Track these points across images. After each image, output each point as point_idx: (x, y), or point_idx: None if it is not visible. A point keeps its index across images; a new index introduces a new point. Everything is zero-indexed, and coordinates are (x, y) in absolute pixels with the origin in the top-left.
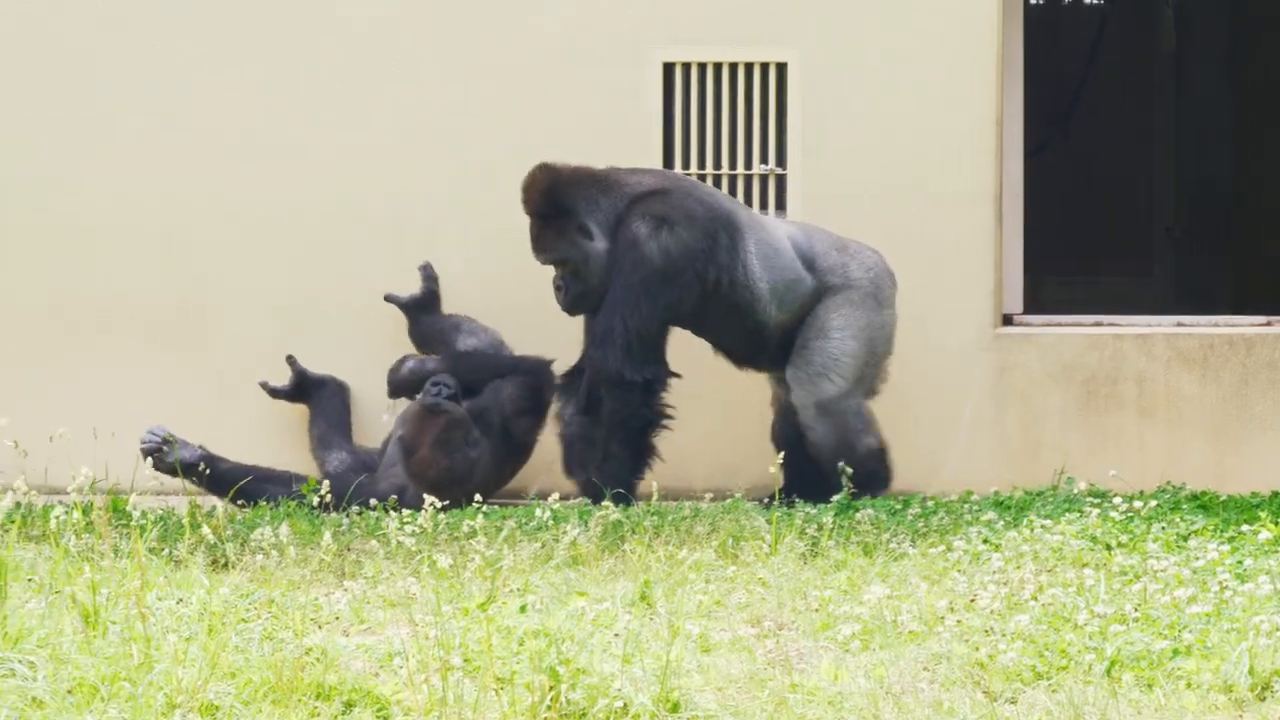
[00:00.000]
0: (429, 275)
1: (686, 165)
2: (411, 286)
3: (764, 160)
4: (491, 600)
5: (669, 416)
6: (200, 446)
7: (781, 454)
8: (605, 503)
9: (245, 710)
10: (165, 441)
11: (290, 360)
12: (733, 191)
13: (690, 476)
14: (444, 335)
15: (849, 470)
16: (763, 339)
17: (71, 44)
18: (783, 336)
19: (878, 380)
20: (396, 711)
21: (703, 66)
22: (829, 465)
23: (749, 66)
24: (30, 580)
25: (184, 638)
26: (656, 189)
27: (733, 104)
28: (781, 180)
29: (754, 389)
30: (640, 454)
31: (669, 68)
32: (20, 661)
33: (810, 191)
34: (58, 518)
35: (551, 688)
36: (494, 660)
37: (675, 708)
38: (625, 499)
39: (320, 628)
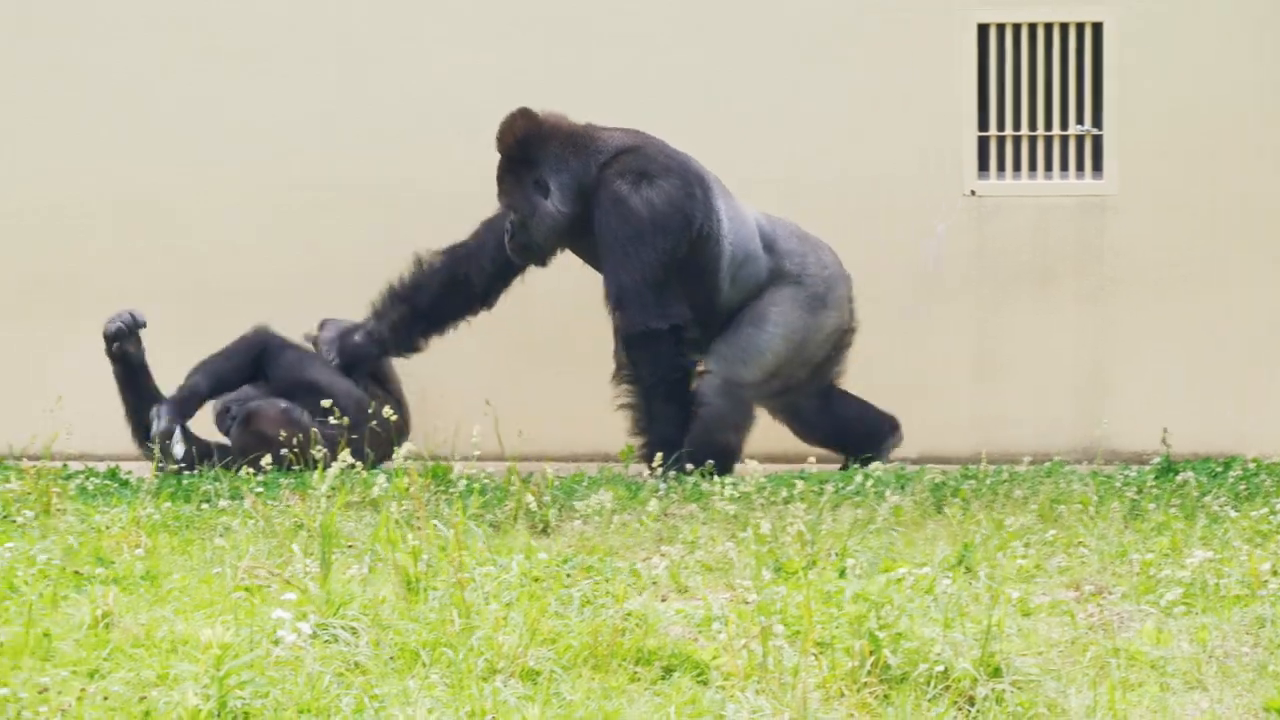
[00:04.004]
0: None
1: (1001, 126)
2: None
3: (1079, 121)
4: (811, 565)
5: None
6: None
7: None
8: (656, 465)
9: (565, 675)
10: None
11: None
12: (1048, 153)
13: (1008, 440)
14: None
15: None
16: (714, 312)
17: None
18: (725, 321)
19: (791, 379)
20: (715, 676)
21: (1017, 27)
22: (700, 436)
23: (1064, 26)
24: (350, 547)
25: (504, 603)
26: (628, 146)
27: (1048, 65)
28: (1098, 141)
29: (1061, 348)
30: (685, 404)
31: (983, 29)
32: (343, 628)
33: (1126, 151)
34: (380, 485)
35: (871, 652)
36: (813, 625)
37: (996, 672)
38: (677, 460)
39: (639, 593)
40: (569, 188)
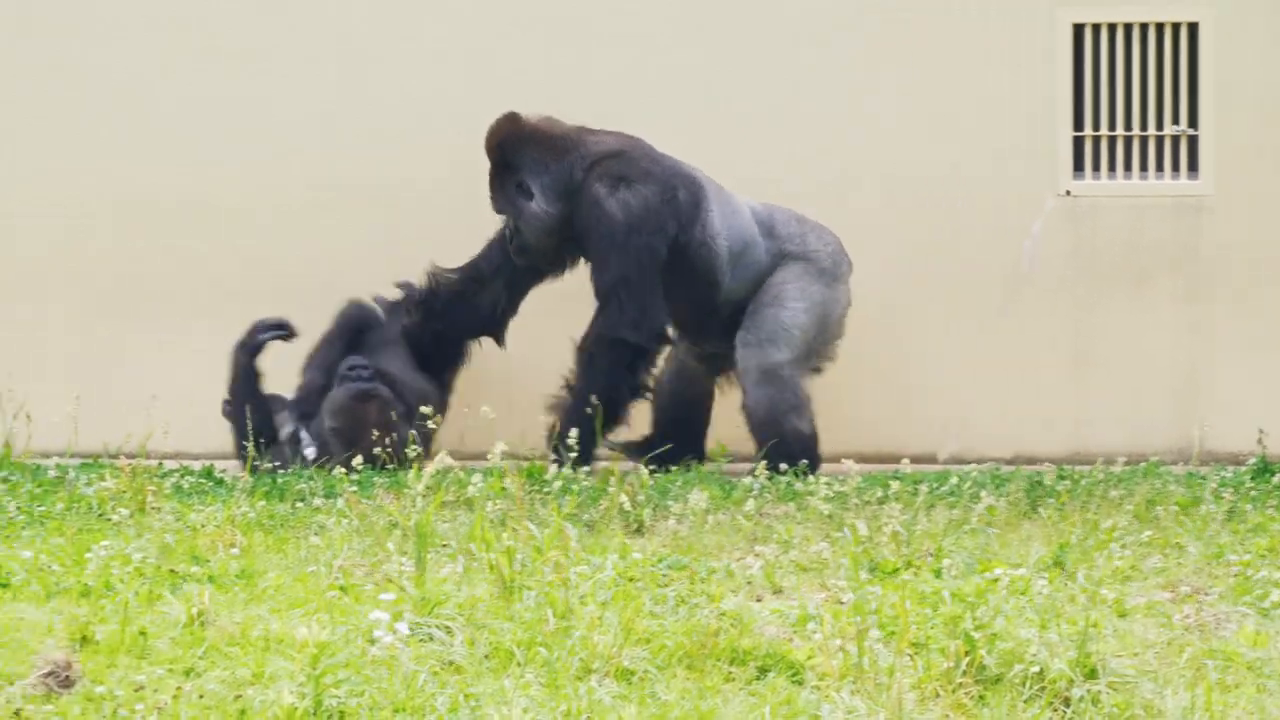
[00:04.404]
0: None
1: (1096, 126)
2: None
3: (1175, 121)
4: (907, 565)
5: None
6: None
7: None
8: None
9: (659, 675)
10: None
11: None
12: (1143, 152)
13: (1103, 440)
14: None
15: (770, 448)
16: (715, 306)
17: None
18: (732, 311)
19: (824, 358)
20: (810, 676)
21: (1113, 27)
22: (757, 434)
23: (1159, 26)
24: (445, 546)
25: (599, 603)
26: (613, 151)
27: (1143, 64)
28: (1193, 141)
29: (1156, 348)
30: (614, 418)
31: (1079, 29)
32: (438, 627)
33: (1222, 151)
34: (475, 485)
35: (967, 653)
36: (909, 625)
37: (1092, 673)
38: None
39: (734, 593)
40: (551, 189)
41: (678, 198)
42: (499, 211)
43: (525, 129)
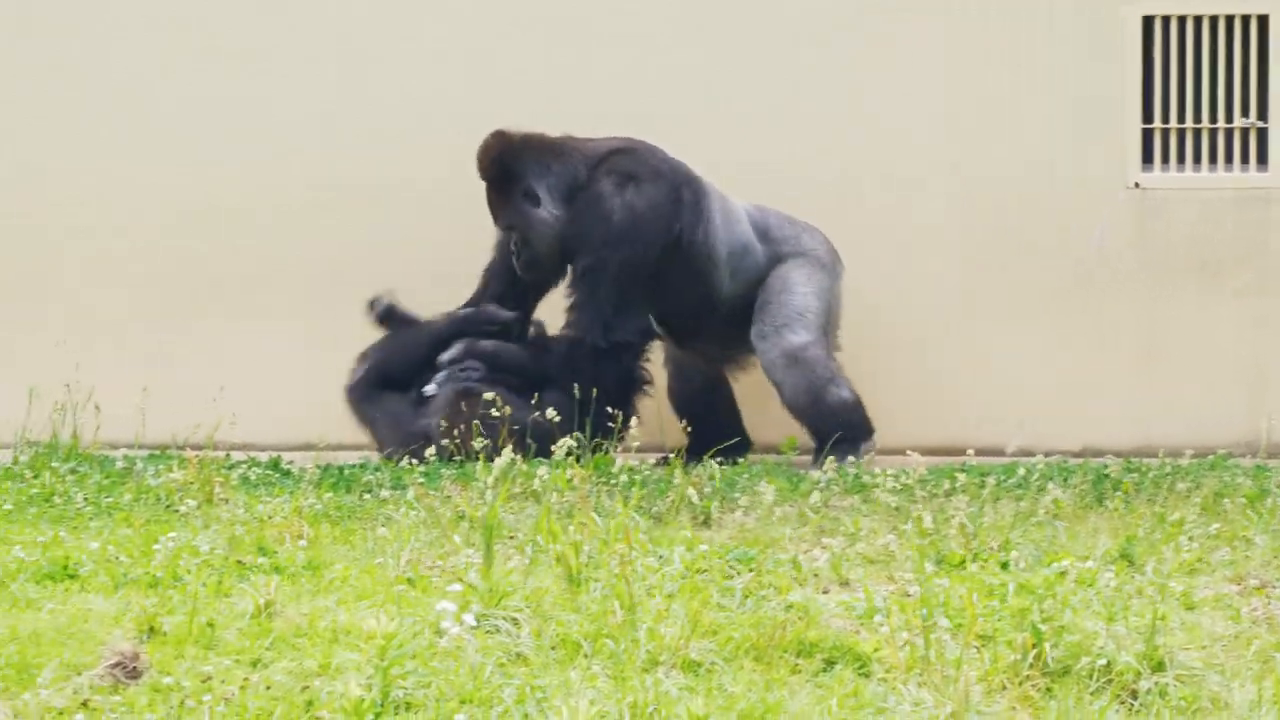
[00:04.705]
0: None
1: (1165, 119)
2: None
3: (1244, 113)
4: (973, 557)
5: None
6: None
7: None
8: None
9: (726, 667)
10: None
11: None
12: (1212, 145)
13: (1170, 433)
14: None
15: (820, 425)
16: (713, 307)
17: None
18: (729, 313)
19: (833, 345)
20: (877, 668)
21: (1182, 19)
22: (804, 420)
23: (1229, 19)
24: (512, 538)
25: (666, 595)
26: (620, 148)
27: (1213, 57)
28: (1263, 134)
29: (1224, 341)
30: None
31: (1148, 21)
32: (505, 619)
33: None
34: (541, 477)
35: (1034, 645)
36: (975, 618)
37: (1159, 666)
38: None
39: (801, 585)
40: (558, 190)
41: (684, 198)
42: (507, 226)
43: (518, 139)
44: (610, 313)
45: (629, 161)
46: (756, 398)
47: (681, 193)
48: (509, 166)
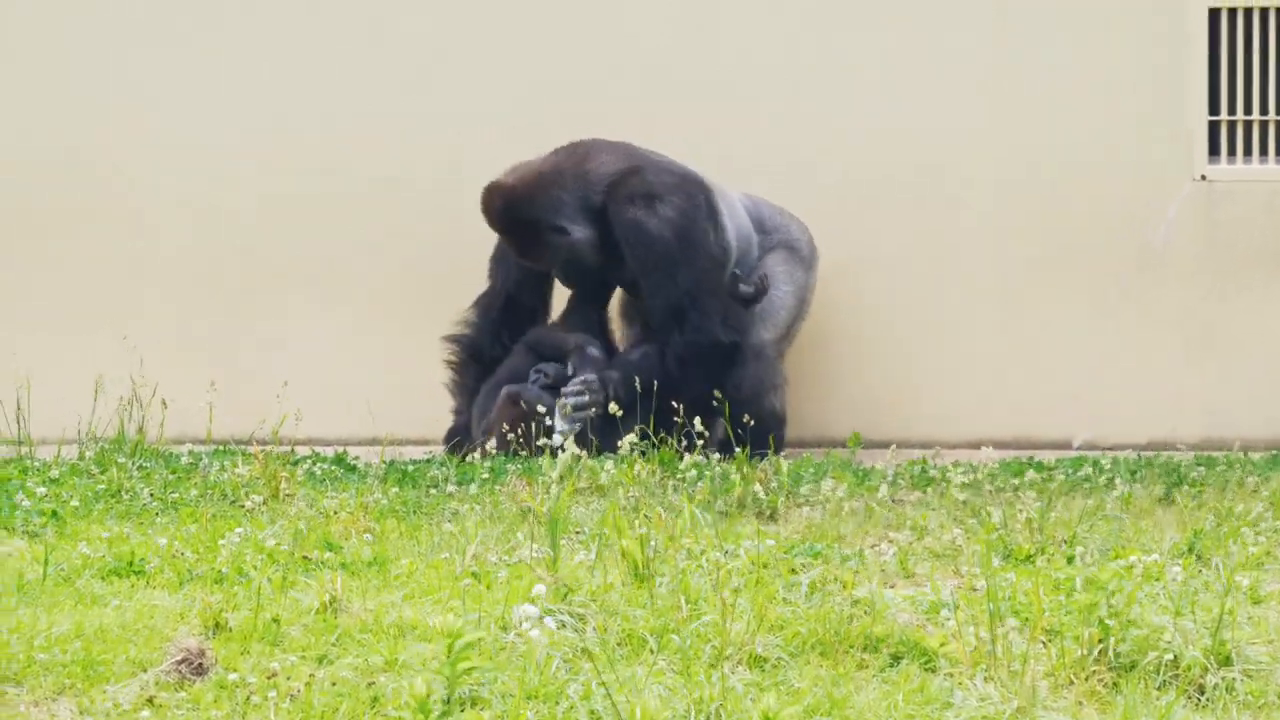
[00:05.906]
0: None
1: (1232, 111)
2: None
3: None
4: (1040, 552)
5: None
6: None
7: None
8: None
9: (792, 662)
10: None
11: None
12: (1279, 137)
13: (1238, 427)
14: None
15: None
16: None
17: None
18: None
19: (793, 338)
20: (943, 663)
21: (1249, 11)
22: (736, 408)
23: None
24: (578, 533)
25: (732, 590)
26: (624, 170)
27: (1279, 49)
28: None
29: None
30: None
31: (1214, 13)
32: (570, 614)
33: None
34: (608, 471)
35: (1100, 640)
36: (1042, 612)
37: (1226, 660)
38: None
39: (867, 580)
40: (579, 215)
41: (700, 201)
42: (548, 266)
43: (518, 187)
44: (716, 310)
45: (640, 182)
46: (818, 392)
47: (697, 196)
48: (523, 213)
